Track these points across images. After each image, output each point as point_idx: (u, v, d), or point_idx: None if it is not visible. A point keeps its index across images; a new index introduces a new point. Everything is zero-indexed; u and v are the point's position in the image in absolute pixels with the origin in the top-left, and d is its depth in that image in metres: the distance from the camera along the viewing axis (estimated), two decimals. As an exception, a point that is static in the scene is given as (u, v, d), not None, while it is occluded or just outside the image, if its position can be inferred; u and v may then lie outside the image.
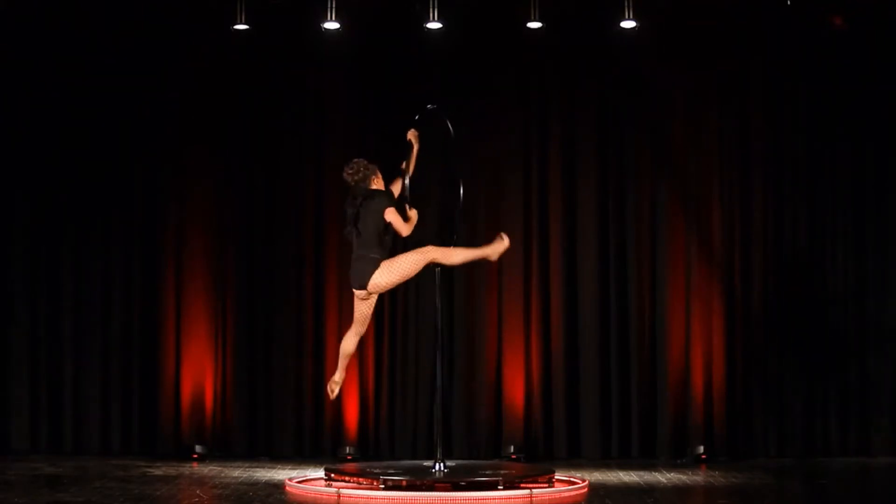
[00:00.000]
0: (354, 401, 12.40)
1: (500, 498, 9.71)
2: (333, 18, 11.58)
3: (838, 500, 10.43)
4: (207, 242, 12.54)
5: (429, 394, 12.15)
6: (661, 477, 11.08)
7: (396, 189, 10.15)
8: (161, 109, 12.56)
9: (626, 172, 12.57)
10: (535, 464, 11.75)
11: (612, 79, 12.60)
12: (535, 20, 11.82)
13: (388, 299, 12.24)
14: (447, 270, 10.88)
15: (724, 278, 12.47)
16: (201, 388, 12.41)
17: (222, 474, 11.11)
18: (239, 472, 11.19)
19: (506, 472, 10.31)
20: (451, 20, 11.81)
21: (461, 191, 10.69)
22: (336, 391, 10.31)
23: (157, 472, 11.19)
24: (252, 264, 12.57)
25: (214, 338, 12.49)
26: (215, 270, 12.53)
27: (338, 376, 10.27)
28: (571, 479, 10.52)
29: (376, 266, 9.84)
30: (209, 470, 11.40)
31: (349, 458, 12.17)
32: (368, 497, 9.77)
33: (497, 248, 10.13)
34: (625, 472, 11.28)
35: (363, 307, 10.05)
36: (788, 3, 11.88)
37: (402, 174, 10.19)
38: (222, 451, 12.35)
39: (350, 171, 10.02)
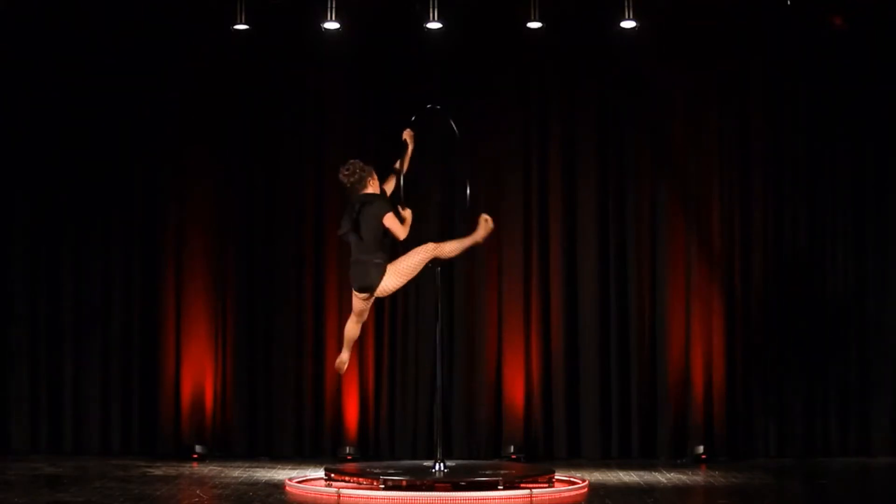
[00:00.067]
0: (354, 401, 12.40)
1: (500, 498, 9.71)
2: (333, 18, 11.56)
3: (838, 500, 10.43)
4: (207, 242, 12.54)
5: (429, 394, 12.14)
6: (661, 477, 11.07)
7: (389, 188, 10.17)
8: (161, 109, 12.56)
9: (626, 172, 12.57)
10: (535, 464, 11.74)
11: (612, 79, 12.59)
12: (535, 20, 11.80)
13: (388, 299, 12.21)
14: (447, 270, 10.87)
15: (724, 278, 12.47)
16: (201, 388, 12.40)
17: (222, 474, 11.11)
18: (239, 472, 11.19)
19: (506, 472, 10.31)
20: (451, 20, 11.80)
21: (468, 191, 10.71)
22: (343, 369, 10.35)
23: (157, 472, 11.19)
24: (252, 264, 12.56)
25: (214, 338, 12.48)
26: (215, 270, 12.53)
27: (344, 355, 10.29)
28: (571, 479, 10.52)
29: (381, 271, 9.87)
30: (209, 470, 11.39)
31: (349, 458, 12.17)
32: (368, 497, 9.77)
33: (482, 231, 10.16)
34: (625, 472, 11.27)
35: (363, 304, 10.09)
36: (788, 3, 11.87)
37: (397, 173, 10.22)
38: (222, 451, 12.34)
39: (346, 173, 10.01)
